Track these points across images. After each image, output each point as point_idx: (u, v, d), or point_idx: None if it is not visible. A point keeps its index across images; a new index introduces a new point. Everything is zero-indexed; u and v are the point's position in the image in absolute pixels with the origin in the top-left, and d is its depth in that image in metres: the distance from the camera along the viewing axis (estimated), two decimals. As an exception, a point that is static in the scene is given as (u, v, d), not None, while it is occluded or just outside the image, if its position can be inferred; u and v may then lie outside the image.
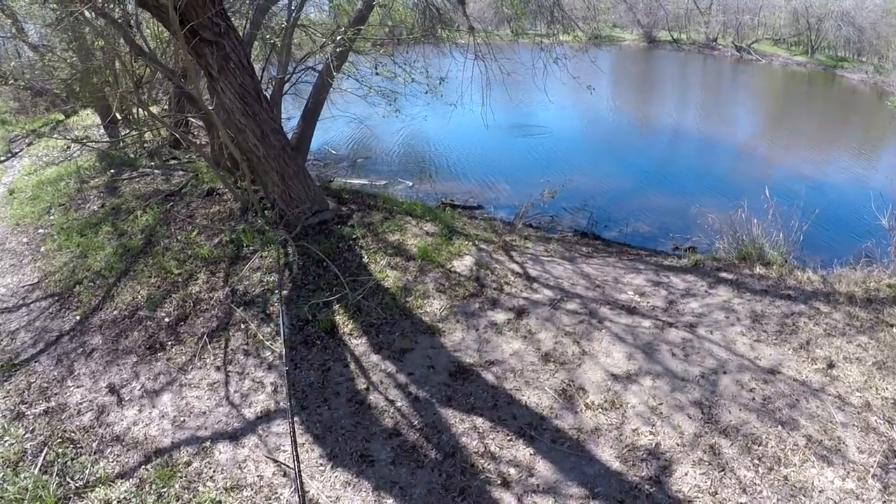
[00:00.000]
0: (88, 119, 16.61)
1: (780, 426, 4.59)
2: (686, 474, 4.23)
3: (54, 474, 4.50)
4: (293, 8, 9.67)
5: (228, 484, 4.37)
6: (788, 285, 6.70)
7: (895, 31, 37.01)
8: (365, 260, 7.12)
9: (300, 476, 2.79)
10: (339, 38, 8.20)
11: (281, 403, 5.14)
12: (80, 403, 5.37)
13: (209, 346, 5.95)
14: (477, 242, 7.87)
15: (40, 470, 4.55)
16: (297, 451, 4.46)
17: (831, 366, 5.23)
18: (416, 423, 4.85)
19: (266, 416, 5.01)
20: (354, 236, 7.58)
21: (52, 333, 6.52)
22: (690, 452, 4.41)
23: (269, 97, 8.23)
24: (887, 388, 4.92)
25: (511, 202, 11.79)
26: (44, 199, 10.34)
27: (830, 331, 5.73)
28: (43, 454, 4.72)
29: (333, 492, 4.26)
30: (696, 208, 10.16)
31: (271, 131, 7.24)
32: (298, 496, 3.88)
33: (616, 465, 4.37)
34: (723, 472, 4.22)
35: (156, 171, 11.04)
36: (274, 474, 4.44)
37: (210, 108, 7.56)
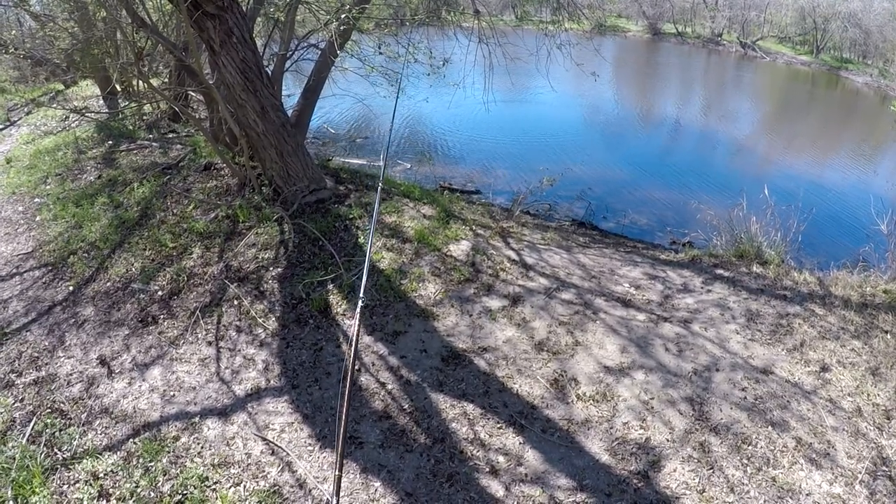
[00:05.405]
0: (88, 90, 16.45)
1: (770, 427, 4.60)
2: (675, 470, 4.23)
3: (42, 444, 4.48)
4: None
5: (216, 460, 4.36)
6: (784, 286, 6.70)
7: (902, 35, 36.97)
8: (361, 240, 7.08)
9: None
10: (343, 16, 8.11)
11: (272, 381, 5.13)
12: (70, 374, 5.34)
13: (201, 322, 5.92)
14: (474, 227, 7.84)
15: (28, 440, 4.53)
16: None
17: (824, 369, 5.24)
18: (406, 406, 4.85)
19: (256, 394, 5.00)
20: (351, 216, 7.54)
21: (45, 303, 6.48)
22: (680, 449, 4.41)
23: (270, 73, 8.15)
24: (879, 395, 4.93)
25: (509, 188, 11.75)
26: (41, 169, 10.25)
27: (825, 334, 5.73)
28: (31, 424, 4.70)
29: (321, 472, 4.26)
30: (694, 203, 10.15)
31: (271, 108, 7.17)
32: None
33: (605, 457, 4.37)
34: (711, 471, 4.23)
35: (154, 143, 10.95)
36: (262, 452, 4.43)
37: (210, 82, 7.48)
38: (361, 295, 3.54)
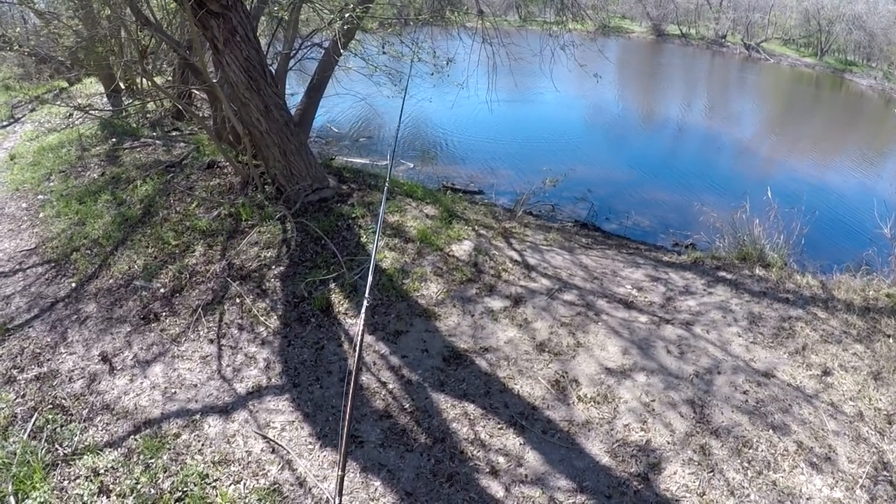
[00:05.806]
0: (92, 87, 16.47)
1: (771, 430, 4.59)
2: (675, 473, 4.23)
3: (43, 440, 4.49)
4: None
5: (216, 458, 4.37)
6: (787, 289, 6.69)
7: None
8: (363, 240, 7.08)
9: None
10: (347, 15, 8.11)
11: (273, 380, 5.13)
12: (72, 370, 5.35)
13: (203, 319, 5.93)
14: (476, 228, 7.83)
15: (29, 435, 4.54)
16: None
17: (826, 373, 5.22)
18: (407, 406, 4.85)
19: (257, 392, 5.00)
20: (354, 215, 7.54)
21: (47, 299, 6.49)
22: (681, 451, 4.41)
23: (273, 72, 8.15)
24: (881, 399, 4.91)
25: (512, 189, 11.73)
26: (44, 166, 10.27)
27: (827, 337, 5.72)
28: (33, 419, 4.71)
29: (321, 471, 4.26)
30: (697, 205, 10.13)
31: (275, 106, 7.18)
32: None
33: (605, 459, 4.37)
34: (712, 474, 4.22)
35: (157, 141, 10.97)
36: (262, 450, 4.43)
37: (214, 80, 7.49)
38: (367, 294, 3.53)
